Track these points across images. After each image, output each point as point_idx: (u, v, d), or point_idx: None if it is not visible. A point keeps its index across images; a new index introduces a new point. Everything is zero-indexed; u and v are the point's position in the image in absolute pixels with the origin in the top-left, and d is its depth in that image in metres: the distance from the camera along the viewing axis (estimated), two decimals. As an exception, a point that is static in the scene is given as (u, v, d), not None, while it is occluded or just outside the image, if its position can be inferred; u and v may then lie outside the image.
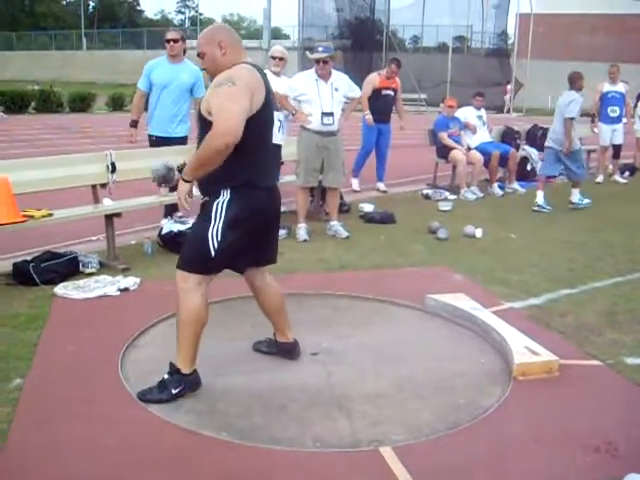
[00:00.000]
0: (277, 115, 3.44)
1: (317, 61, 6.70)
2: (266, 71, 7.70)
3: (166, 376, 3.48)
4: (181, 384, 3.46)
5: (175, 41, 6.81)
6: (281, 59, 7.70)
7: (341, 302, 5.03)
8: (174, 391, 3.44)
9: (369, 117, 9.13)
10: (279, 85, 7.60)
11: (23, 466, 2.87)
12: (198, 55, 3.43)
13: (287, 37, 50.37)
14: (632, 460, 2.95)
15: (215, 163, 3.17)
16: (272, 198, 3.56)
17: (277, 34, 46.62)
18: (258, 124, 3.29)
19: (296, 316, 4.72)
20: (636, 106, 12.10)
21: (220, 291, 5.05)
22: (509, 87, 30.69)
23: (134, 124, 6.97)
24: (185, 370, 3.47)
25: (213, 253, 3.34)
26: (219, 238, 3.33)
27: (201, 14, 74.50)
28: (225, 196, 3.35)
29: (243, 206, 3.36)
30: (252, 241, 3.50)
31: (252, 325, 4.54)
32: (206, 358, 3.80)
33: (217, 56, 3.36)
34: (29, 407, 3.36)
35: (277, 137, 3.38)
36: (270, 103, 3.40)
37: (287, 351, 4.01)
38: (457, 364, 4.01)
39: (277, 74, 7.70)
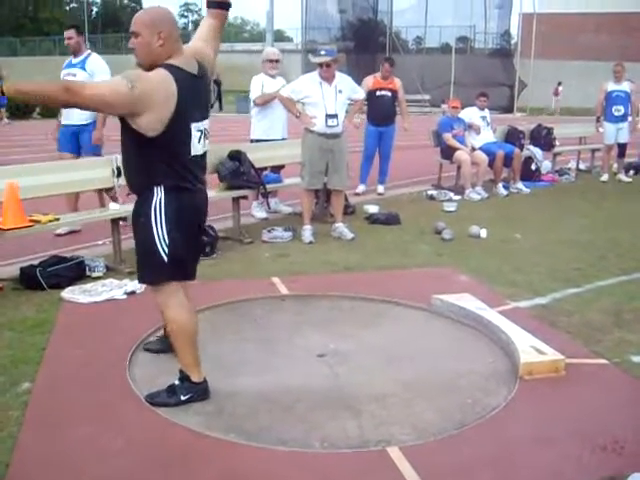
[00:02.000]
0: (199, 125, 3.22)
1: (320, 64, 6.71)
2: (261, 74, 7.79)
3: (177, 382, 3.48)
4: (191, 392, 3.46)
5: None
6: (277, 61, 7.86)
7: (347, 303, 5.04)
8: (183, 398, 3.45)
9: (356, 120, 9.07)
10: (275, 87, 7.66)
11: (33, 469, 2.89)
12: (131, 33, 3.15)
13: (290, 40, 50.48)
14: (638, 458, 2.95)
15: (43, 102, 3.10)
16: (200, 198, 3.41)
17: (280, 37, 46.71)
18: (167, 138, 3.10)
19: (302, 318, 4.75)
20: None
21: (225, 293, 5.08)
22: (560, 88, 30.48)
23: None
24: (195, 379, 3.48)
25: (165, 258, 3.25)
26: (166, 241, 3.23)
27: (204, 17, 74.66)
28: (159, 195, 3.21)
29: (177, 204, 3.24)
30: (191, 243, 3.42)
31: (258, 327, 4.57)
32: (213, 360, 3.82)
33: (153, 45, 3.12)
34: (38, 410, 3.38)
35: (197, 148, 3.22)
36: (185, 115, 3.13)
37: None
38: (463, 364, 4.02)
39: (273, 76, 7.76)
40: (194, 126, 3.20)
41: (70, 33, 6.94)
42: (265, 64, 7.86)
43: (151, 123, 3.03)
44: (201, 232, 3.57)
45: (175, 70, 3.09)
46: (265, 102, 7.71)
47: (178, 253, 3.28)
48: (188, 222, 3.33)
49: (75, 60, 6.94)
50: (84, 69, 6.83)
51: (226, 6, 3.53)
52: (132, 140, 3.15)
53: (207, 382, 3.52)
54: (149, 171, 3.21)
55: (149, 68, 3.13)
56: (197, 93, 3.23)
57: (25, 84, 2.97)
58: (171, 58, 3.14)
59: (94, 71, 6.81)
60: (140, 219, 3.29)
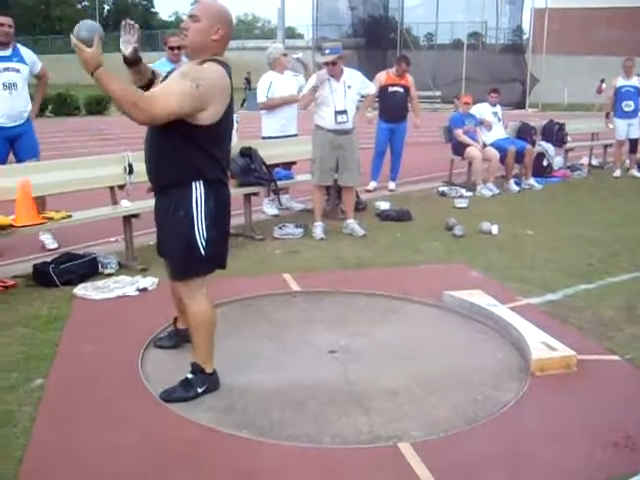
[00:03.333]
0: (235, 116, 3.48)
1: (326, 63, 6.70)
2: (270, 72, 7.79)
3: (190, 375, 3.51)
4: (206, 383, 3.51)
5: (180, 48, 6.81)
6: (285, 55, 7.92)
7: (358, 300, 5.05)
8: (200, 390, 3.49)
9: (369, 115, 9.06)
10: (284, 82, 7.66)
11: (46, 465, 2.91)
12: (190, 16, 3.23)
13: (301, 36, 50.44)
14: (651, 454, 2.95)
15: (115, 102, 3.01)
16: (229, 192, 3.52)
17: (291, 34, 46.72)
18: (223, 127, 3.26)
19: (313, 314, 4.76)
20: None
21: (237, 290, 5.09)
22: (604, 86, 30.15)
23: None
24: (209, 370, 3.53)
25: (203, 252, 3.31)
26: (205, 235, 3.29)
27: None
28: (199, 189, 3.26)
29: (215, 198, 3.31)
30: (226, 237, 3.53)
31: (270, 323, 4.58)
32: (225, 356, 3.84)
33: (207, 37, 3.21)
34: (51, 406, 3.41)
35: (234, 138, 3.46)
36: (232, 107, 3.33)
37: (187, 337, 3.85)
38: (474, 360, 4.01)
39: (281, 72, 7.77)
40: (234, 116, 3.45)
41: (9, 21, 6.30)
42: (281, 59, 7.79)
43: (212, 116, 3.15)
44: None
45: (224, 64, 3.23)
46: (268, 108, 7.73)
47: (215, 248, 3.36)
48: (225, 216, 3.45)
49: (6, 52, 6.27)
50: (24, 62, 6.44)
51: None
52: (177, 132, 3.15)
53: (217, 374, 3.58)
54: (189, 165, 3.23)
55: (191, 55, 3.26)
56: (232, 90, 3.32)
57: (106, 75, 2.98)
58: (216, 55, 3.25)
59: (33, 61, 6.58)
60: (179, 213, 3.29)
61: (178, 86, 3.07)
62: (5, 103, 6.25)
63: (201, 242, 3.29)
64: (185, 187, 3.26)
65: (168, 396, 3.47)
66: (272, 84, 7.70)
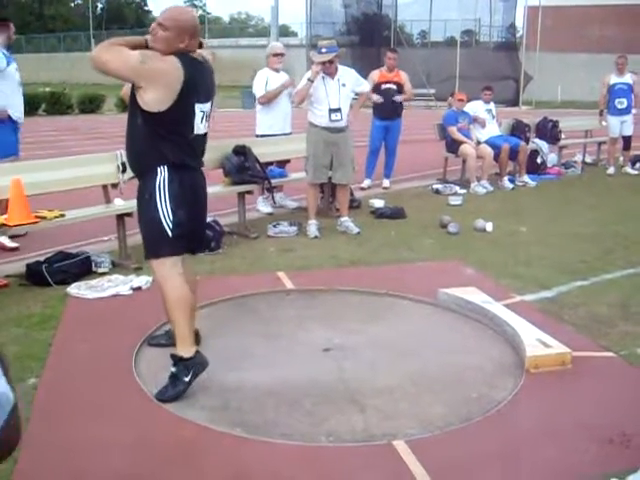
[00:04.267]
0: (202, 107, 3.49)
1: (322, 62, 6.68)
2: (265, 69, 7.79)
3: (173, 369, 3.49)
4: (190, 369, 3.48)
5: None
6: (282, 55, 7.92)
7: (353, 298, 5.04)
8: (186, 379, 3.46)
9: (377, 97, 9.03)
10: (279, 81, 7.67)
11: (39, 464, 2.90)
12: (159, 24, 3.39)
13: (295, 34, 50.35)
14: (646, 451, 2.95)
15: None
16: (202, 177, 3.71)
17: (285, 32, 46.67)
18: (177, 114, 3.39)
19: (308, 312, 4.75)
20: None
21: (231, 288, 5.08)
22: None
23: None
24: (187, 354, 3.49)
25: (170, 232, 3.45)
26: (171, 216, 3.44)
27: (209, 13, 74.68)
28: (163, 174, 3.44)
29: (180, 182, 3.47)
30: (195, 218, 3.63)
31: (264, 321, 4.57)
32: (219, 354, 3.83)
33: (175, 44, 3.37)
34: (44, 406, 3.39)
35: (199, 127, 3.52)
36: (189, 96, 3.39)
37: None
38: (469, 357, 4.01)
39: (277, 70, 7.78)
40: (198, 107, 3.46)
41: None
42: (271, 58, 7.86)
43: (154, 101, 3.32)
44: (204, 209, 3.78)
45: (185, 57, 3.38)
46: (269, 100, 7.72)
47: (182, 228, 3.48)
48: (191, 198, 3.56)
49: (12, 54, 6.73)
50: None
51: None
52: (140, 119, 3.40)
53: (200, 353, 3.55)
54: (154, 150, 3.43)
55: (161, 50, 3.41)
56: (203, 78, 3.52)
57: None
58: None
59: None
60: (145, 197, 3.50)
61: (131, 54, 3.31)
62: (19, 101, 6.70)
63: (167, 223, 3.44)
64: (151, 172, 3.48)
65: (162, 396, 3.45)
66: (268, 80, 7.71)
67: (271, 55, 7.86)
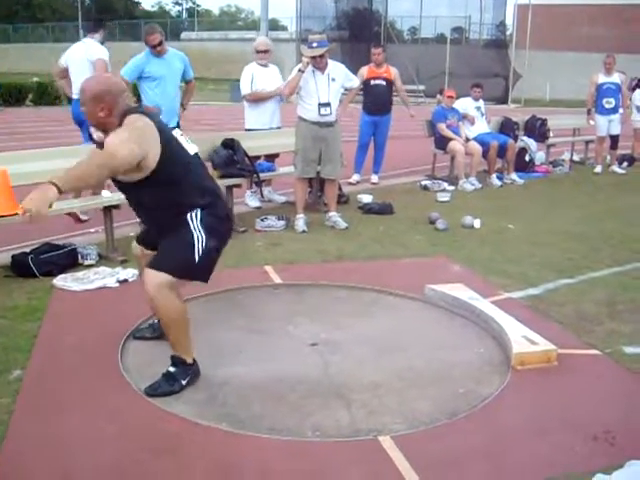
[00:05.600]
0: (175, 132, 3.56)
1: (312, 57, 6.67)
2: (252, 63, 7.77)
3: (172, 369, 3.49)
4: (188, 374, 3.50)
5: (160, 44, 6.74)
6: (266, 52, 7.83)
7: (340, 293, 5.04)
8: (184, 382, 3.47)
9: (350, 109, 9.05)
10: (266, 76, 7.64)
11: (24, 457, 2.88)
12: (81, 104, 3.42)
13: (285, 28, 50.24)
14: (630, 448, 2.96)
15: (92, 179, 3.24)
16: (225, 204, 3.76)
17: (275, 25, 46.48)
18: (174, 157, 3.39)
19: (295, 307, 4.75)
20: (631, 97, 12.12)
21: (218, 282, 5.06)
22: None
23: None
24: (190, 360, 3.53)
25: (197, 259, 3.39)
26: (203, 245, 3.39)
27: (198, 5, 74.46)
28: (197, 213, 3.43)
29: (214, 214, 3.49)
30: (221, 250, 3.61)
31: (251, 315, 4.56)
32: (205, 349, 3.82)
33: (97, 115, 3.34)
34: (29, 398, 3.37)
35: (189, 147, 3.53)
36: (169, 135, 3.45)
37: None
38: (456, 354, 4.02)
39: (264, 65, 7.75)
40: (175, 132, 3.55)
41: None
42: (254, 55, 7.84)
43: (154, 155, 3.29)
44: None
45: (134, 110, 3.40)
46: (255, 100, 7.71)
47: (208, 259, 3.46)
48: (224, 230, 3.60)
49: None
50: None
51: None
52: (153, 191, 3.38)
53: (197, 362, 3.58)
54: (181, 206, 3.42)
55: (103, 130, 3.41)
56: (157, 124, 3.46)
57: (63, 179, 3.08)
58: (123, 109, 3.36)
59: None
60: (179, 231, 3.43)
61: (120, 138, 3.21)
62: None
63: (198, 249, 3.38)
64: (184, 222, 3.42)
65: (154, 391, 3.43)
66: (254, 77, 7.68)
67: (255, 52, 7.83)
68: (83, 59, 7.03)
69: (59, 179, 3.03)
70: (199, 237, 3.39)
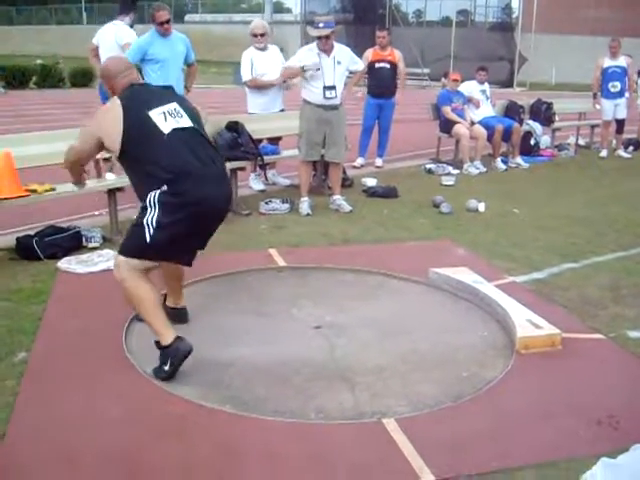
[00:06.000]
0: (158, 110, 3.49)
1: (319, 37, 6.63)
2: (251, 48, 7.70)
3: (158, 354, 3.46)
4: (168, 357, 3.41)
5: (168, 21, 6.75)
6: (262, 35, 7.68)
7: (344, 276, 5.04)
8: (166, 367, 3.41)
9: (357, 95, 8.99)
10: (266, 59, 7.57)
11: (29, 439, 2.89)
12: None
13: (289, 11, 49.94)
14: (634, 433, 2.96)
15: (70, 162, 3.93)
16: (204, 184, 3.45)
17: (279, 8, 46.22)
18: (138, 137, 3.44)
19: (299, 290, 4.75)
20: (637, 81, 12.04)
21: (223, 265, 5.07)
22: None
23: None
24: (164, 342, 3.42)
25: (148, 238, 3.35)
26: (153, 224, 3.34)
27: (203, -13, 73.74)
28: (155, 193, 3.38)
29: (176, 193, 3.38)
30: (190, 232, 3.48)
31: (256, 298, 4.57)
32: (209, 331, 3.83)
33: (109, 91, 3.74)
34: (34, 380, 3.38)
35: (166, 125, 3.46)
36: (136, 116, 3.46)
37: (176, 316, 3.98)
38: (460, 337, 4.02)
39: (262, 49, 7.65)
40: (152, 113, 3.47)
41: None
42: (252, 39, 7.76)
43: (111, 141, 3.49)
44: (209, 228, 3.65)
45: (127, 91, 3.60)
46: (256, 86, 7.66)
47: (162, 240, 3.37)
48: (184, 213, 3.39)
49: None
50: None
51: None
52: (125, 168, 3.64)
53: (179, 338, 3.42)
54: (142, 182, 3.51)
55: None
56: (148, 92, 3.74)
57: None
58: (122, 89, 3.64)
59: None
60: (140, 210, 3.49)
61: (83, 129, 3.85)
62: None
63: (149, 229, 3.35)
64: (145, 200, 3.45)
65: (155, 374, 3.45)
66: (253, 62, 7.62)
67: (251, 36, 7.76)
68: (112, 42, 7.13)
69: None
70: (151, 216, 3.35)
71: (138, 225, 3.40)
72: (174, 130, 3.46)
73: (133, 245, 3.45)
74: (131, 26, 7.43)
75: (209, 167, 3.50)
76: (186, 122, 3.54)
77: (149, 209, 3.36)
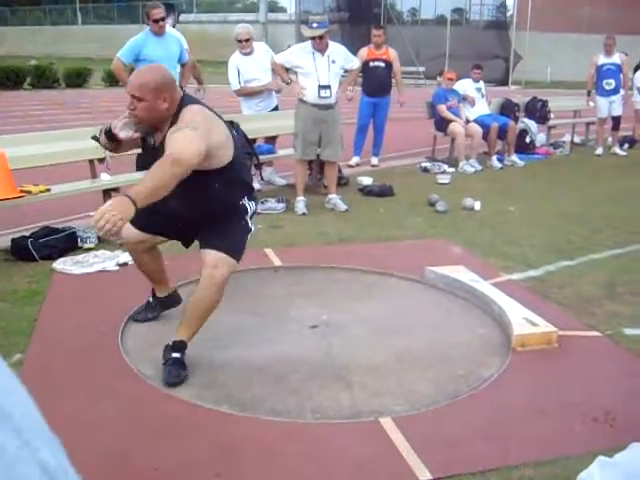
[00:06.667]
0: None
1: (312, 37, 6.62)
2: (236, 53, 7.66)
3: (177, 355, 3.41)
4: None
5: (163, 19, 6.74)
6: (247, 40, 7.58)
7: (340, 275, 5.03)
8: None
9: (349, 93, 8.97)
10: (251, 65, 7.52)
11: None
12: (132, 96, 3.23)
13: (284, 10, 49.89)
14: (630, 430, 2.96)
15: (167, 189, 2.94)
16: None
17: (273, 7, 46.13)
18: (232, 144, 3.45)
19: (295, 289, 4.74)
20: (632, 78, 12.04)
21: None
22: None
23: None
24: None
25: (249, 237, 3.62)
26: (250, 224, 3.61)
27: (197, -13, 73.70)
28: (249, 200, 3.59)
29: (255, 199, 3.70)
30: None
31: (252, 298, 4.56)
32: (206, 331, 3.81)
33: (160, 108, 3.23)
34: (29, 381, 3.32)
35: None
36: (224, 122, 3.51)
37: (174, 301, 4.06)
38: (456, 335, 4.02)
39: (248, 54, 7.59)
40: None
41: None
42: (236, 44, 7.67)
43: (218, 144, 3.29)
44: None
45: (187, 101, 3.36)
46: (246, 94, 7.65)
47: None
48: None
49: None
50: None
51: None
52: (213, 178, 3.33)
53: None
54: (234, 189, 3.51)
55: (157, 126, 3.31)
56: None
57: (141, 193, 2.85)
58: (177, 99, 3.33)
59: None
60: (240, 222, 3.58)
61: (185, 136, 3.08)
62: None
63: (248, 228, 3.61)
64: (237, 209, 3.56)
65: (175, 379, 3.36)
66: (239, 69, 7.57)
67: (236, 41, 7.68)
68: None
69: (136, 195, 2.83)
70: (250, 215, 3.58)
71: (241, 223, 3.54)
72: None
73: (242, 244, 3.54)
74: (173, 26, 7.62)
75: None
76: None
77: (248, 208, 3.56)
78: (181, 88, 7.17)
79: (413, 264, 5.09)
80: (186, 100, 3.36)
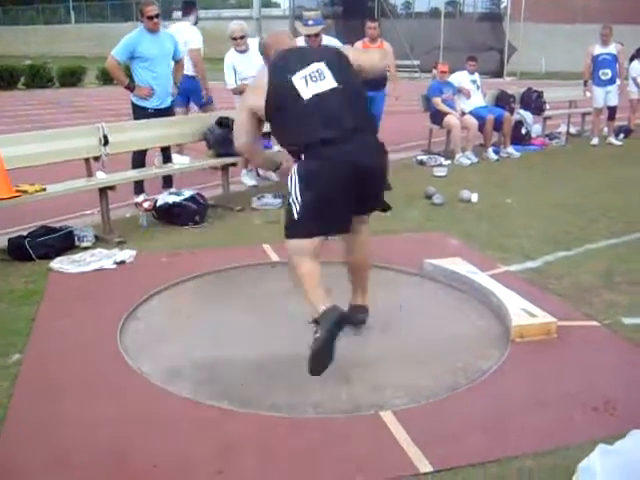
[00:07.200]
0: (299, 74, 3.41)
1: (308, 35, 6.59)
2: (231, 50, 7.63)
3: (315, 328, 3.28)
4: (326, 325, 3.22)
5: (157, 16, 6.71)
6: (242, 37, 7.57)
7: (338, 269, 5.00)
8: (317, 335, 3.22)
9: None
10: (250, 60, 7.48)
11: (23, 439, 2.88)
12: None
13: (277, 5, 49.82)
14: (630, 419, 2.96)
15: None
16: (342, 154, 3.39)
17: (267, 2, 46.09)
18: (276, 104, 3.47)
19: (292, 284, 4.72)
20: (628, 68, 12.03)
21: (216, 261, 5.06)
22: None
23: (132, 85, 6.82)
24: (320, 310, 3.29)
25: (296, 216, 3.39)
26: (299, 201, 3.38)
27: (190, -16, 73.39)
28: (297, 165, 3.44)
29: (306, 166, 3.40)
30: (333, 196, 3.42)
31: (250, 294, 4.56)
32: (204, 328, 3.82)
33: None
34: (28, 381, 3.36)
35: (308, 90, 3.38)
36: (280, 81, 3.46)
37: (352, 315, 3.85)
38: (455, 328, 4.02)
39: (243, 51, 7.57)
40: (297, 76, 3.42)
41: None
42: (231, 42, 7.66)
43: (258, 107, 3.54)
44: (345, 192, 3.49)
45: (275, 56, 3.66)
46: (241, 93, 7.61)
47: (309, 212, 3.38)
48: (323, 182, 3.39)
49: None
50: None
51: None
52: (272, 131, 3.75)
53: (335, 307, 3.32)
54: (288, 150, 3.60)
55: None
56: (293, 55, 3.65)
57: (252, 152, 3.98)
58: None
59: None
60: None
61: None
62: None
63: (295, 208, 3.47)
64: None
65: (325, 346, 3.20)
66: (235, 67, 7.55)
67: (230, 39, 7.66)
68: (181, 43, 7.41)
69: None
70: (294, 192, 3.39)
71: (288, 204, 3.46)
72: (314, 96, 3.41)
73: (289, 227, 3.49)
74: (195, 23, 8.14)
75: (348, 136, 3.42)
76: (328, 83, 3.45)
77: (291, 184, 3.41)
78: (175, 84, 7.21)
79: (411, 257, 5.09)
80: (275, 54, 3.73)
